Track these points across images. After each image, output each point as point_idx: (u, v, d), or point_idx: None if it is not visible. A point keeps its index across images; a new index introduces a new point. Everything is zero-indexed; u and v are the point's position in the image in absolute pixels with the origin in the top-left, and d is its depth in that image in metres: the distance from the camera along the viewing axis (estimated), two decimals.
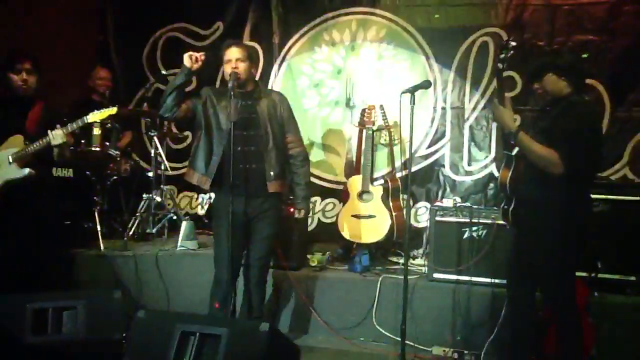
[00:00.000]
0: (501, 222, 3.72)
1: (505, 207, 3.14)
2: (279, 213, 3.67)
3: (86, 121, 3.61)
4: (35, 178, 3.60)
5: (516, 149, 3.04)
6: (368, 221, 4.31)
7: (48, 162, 3.76)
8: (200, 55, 3.37)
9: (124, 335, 3.05)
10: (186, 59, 3.36)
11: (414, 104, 3.11)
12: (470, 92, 4.89)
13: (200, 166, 3.49)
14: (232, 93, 3.31)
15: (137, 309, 3.12)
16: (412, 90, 3.13)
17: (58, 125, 3.56)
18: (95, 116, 3.63)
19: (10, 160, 3.57)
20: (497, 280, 3.81)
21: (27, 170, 3.57)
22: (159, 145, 4.89)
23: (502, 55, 2.96)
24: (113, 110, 3.68)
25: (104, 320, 3.07)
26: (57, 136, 3.52)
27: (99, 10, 5.86)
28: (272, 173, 3.48)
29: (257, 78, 5.32)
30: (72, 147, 4.56)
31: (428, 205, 4.83)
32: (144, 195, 4.87)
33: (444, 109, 4.95)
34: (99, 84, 5.09)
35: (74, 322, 3.02)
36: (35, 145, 3.55)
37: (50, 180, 3.95)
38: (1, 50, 3.99)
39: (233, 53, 3.43)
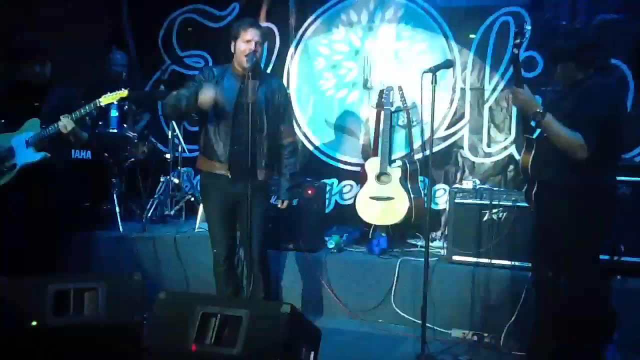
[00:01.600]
0: (522, 204, 3.69)
1: (528, 190, 3.10)
2: (268, 193, 3.69)
3: (98, 104, 3.59)
4: (51, 161, 3.61)
5: (537, 132, 2.98)
6: (386, 203, 4.28)
7: (65, 145, 3.76)
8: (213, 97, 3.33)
9: (144, 316, 3.07)
10: (203, 97, 3.30)
11: (435, 84, 3.05)
12: (490, 73, 4.79)
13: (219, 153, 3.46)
14: (249, 74, 3.29)
15: (156, 290, 3.14)
16: (434, 70, 3.07)
17: (65, 115, 3.52)
18: (107, 99, 3.60)
19: (27, 144, 3.58)
20: (517, 263, 3.78)
21: (42, 154, 3.57)
22: (176, 127, 4.88)
23: (518, 41, 2.90)
24: (124, 93, 3.64)
25: (124, 302, 3.05)
26: (65, 125, 3.50)
27: None
28: (263, 161, 3.47)
29: (272, 60, 5.33)
30: (89, 130, 4.59)
31: (446, 187, 4.78)
32: (162, 178, 4.88)
33: (463, 90, 4.86)
34: (114, 67, 5.07)
35: (95, 304, 3.02)
36: (49, 130, 3.55)
37: (67, 163, 3.93)
38: (15, 36, 3.97)
39: (255, 35, 3.40)
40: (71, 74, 4.74)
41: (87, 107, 3.57)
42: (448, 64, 3.23)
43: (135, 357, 2.93)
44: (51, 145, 3.61)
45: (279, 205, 3.69)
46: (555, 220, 2.95)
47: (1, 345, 2.91)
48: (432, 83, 3.05)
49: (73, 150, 4.31)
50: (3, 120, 3.67)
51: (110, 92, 3.63)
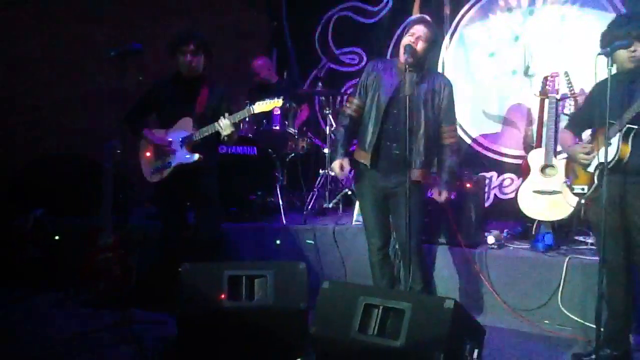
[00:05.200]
0: None
1: (601, 175, 2.91)
2: (423, 186, 3.56)
3: (252, 112, 3.71)
4: (203, 161, 3.76)
5: None
6: (552, 197, 4.02)
7: (216, 144, 3.94)
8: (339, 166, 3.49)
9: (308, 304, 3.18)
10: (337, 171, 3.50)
11: (612, 66, 2.80)
12: None
13: (366, 142, 3.48)
14: (407, 66, 3.28)
15: (316, 279, 3.25)
16: (611, 52, 2.82)
17: (226, 115, 3.65)
18: (260, 107, 3.70)
19: (182, 143, 3.76)
20: None
21: (196, 156, 3.73)
22: (333, 123, 5.02)
23: None
24: (278, 102, 3.75)
25: (290, 289, 3.20)
26: (225, 127, 3.65)
27: None
28: (417, 161, 3.39)
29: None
30: (255, 127, 4.89)
31: None
32: (320, 171, 5.06)
33: None
34: (258, 74, 5.33)
35: (265, 290, 3.22)
36: (204, 131, 3.69)
37: (216, 160, 4.05)
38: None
39: (419, 30, 3.36)
40: (230, 79, 5.07)
41: (241, 113, 3.71)
42: (627, 44, 2.93)
43: (302, 343, 3.09)
44: (203, 144, 3.76)
45: (436, 198, 3.60)
46: None
47: (184, 324, 3.23)
48: (608, 66, 2.80)
49: (241, 147, 4.63)
50: (159, 116, 3.88)
51: (269, 98, 3.74)
